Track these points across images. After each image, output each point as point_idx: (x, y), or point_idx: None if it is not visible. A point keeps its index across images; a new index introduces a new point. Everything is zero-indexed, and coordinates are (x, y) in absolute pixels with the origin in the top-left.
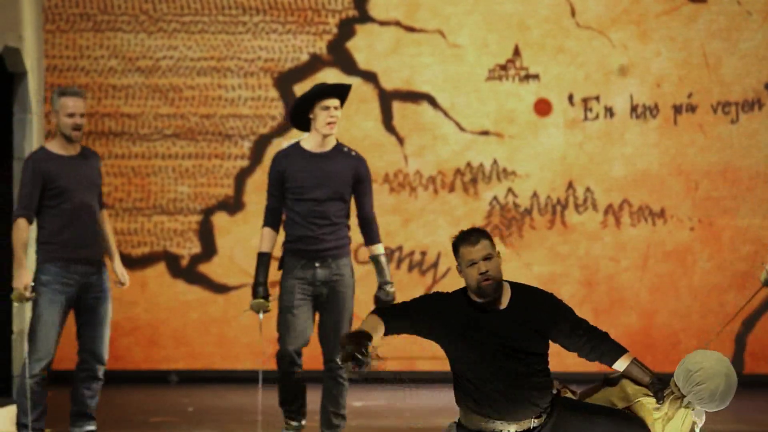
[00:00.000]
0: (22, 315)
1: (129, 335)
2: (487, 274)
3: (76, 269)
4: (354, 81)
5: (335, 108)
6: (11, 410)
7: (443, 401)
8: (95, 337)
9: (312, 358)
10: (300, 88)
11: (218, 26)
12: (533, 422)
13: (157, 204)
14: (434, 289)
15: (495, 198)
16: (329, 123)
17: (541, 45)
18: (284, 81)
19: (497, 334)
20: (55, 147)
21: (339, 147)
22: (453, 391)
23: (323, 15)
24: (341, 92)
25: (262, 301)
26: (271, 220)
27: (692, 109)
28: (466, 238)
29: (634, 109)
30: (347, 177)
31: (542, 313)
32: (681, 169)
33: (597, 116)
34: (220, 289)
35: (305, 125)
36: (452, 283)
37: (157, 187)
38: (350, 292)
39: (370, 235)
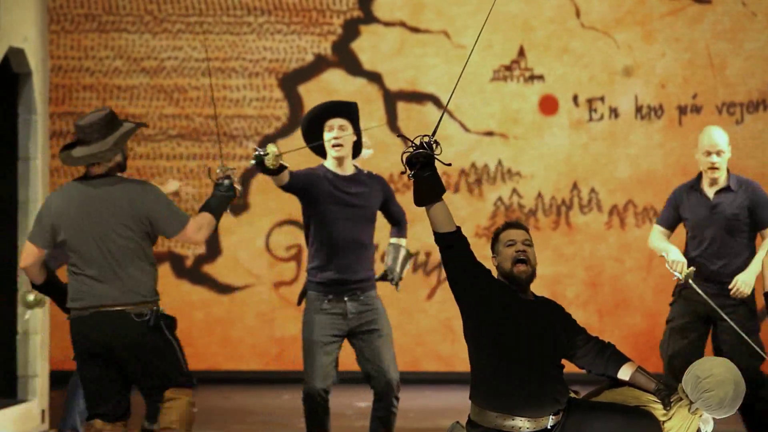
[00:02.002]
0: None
1: None
2: (524, 253)
3: None
4: (359, 82)
5: (340, 128)
6: (15, 410)
7: (447, 402)
8: None
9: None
10: (305, 89)
11: (223, 27)
12: (551, 420)
13: None
14: (439, 290)
15: (499, 199)
16: (334, 144)
17: (545, 46)
18: (289, 82)
19: (533, 321)
20: None
21: (360, 170)
22: (457, 392)
23: (328, 16)
24: (341, 110)
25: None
26: None
27: (697, 109)
28: (509, 225)
29: (638, 109)
30: (377, 199)
31: (563, 317)
32: (686, 169)
33: (602, 117)
34: (225, 289)
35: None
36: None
37: (161, 186)
38: (387, 320)
39: (400, 230)
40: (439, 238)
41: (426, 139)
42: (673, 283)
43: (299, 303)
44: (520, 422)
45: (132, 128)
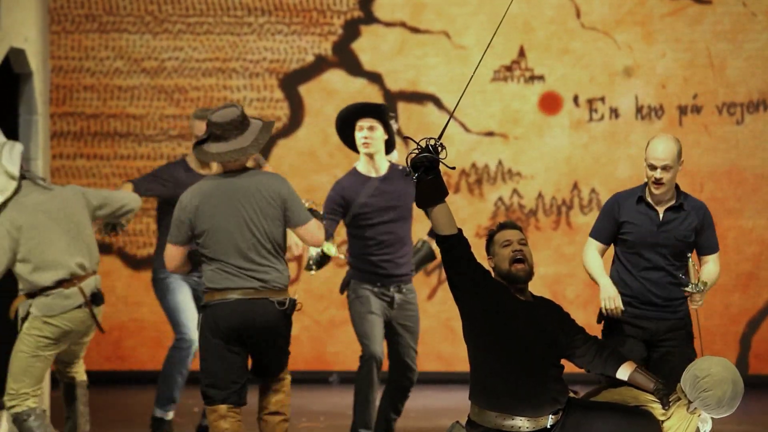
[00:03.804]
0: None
1: (135, 336)
2: (521, 253)
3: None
4: (359, 82)
5: (369, 129)
6: None
7: (448, 402)
8: None
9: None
10: (305, 89)
11: (223, 27)
12: (550, 419)
13: None
14: (439, 291)
15: (500, 199)
16: (363, 143)
17: (546, 46)
18: (289, 82)
19: (532, 321)
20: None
21: (393, 166)
22: (457, 392)
23: (328, 16)
24: (371, 111)
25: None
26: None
27: (697, 110)
28: (503, 225)
29: (639, 110)
30: (412, 195)
31: (561, 317)
32: (686, 169)
33: (602, 117)
34: None
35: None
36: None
37: None
38: (418, 317)
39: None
40: (441, 240)
41: (432, 142)
42: None
43: (342, 292)
44: (520, 422)
45: (267, 124)
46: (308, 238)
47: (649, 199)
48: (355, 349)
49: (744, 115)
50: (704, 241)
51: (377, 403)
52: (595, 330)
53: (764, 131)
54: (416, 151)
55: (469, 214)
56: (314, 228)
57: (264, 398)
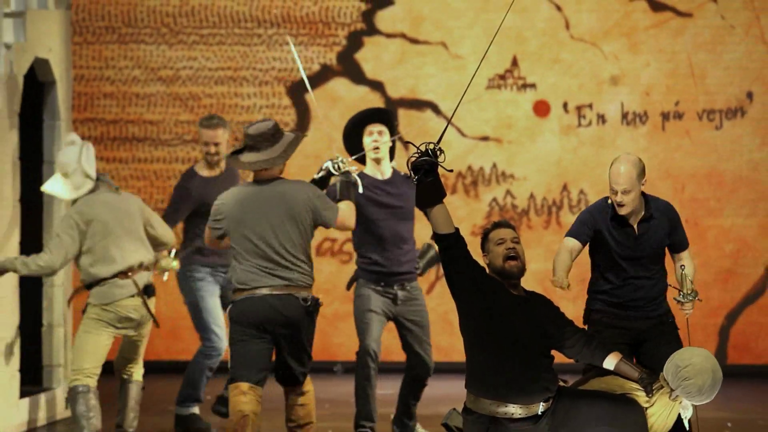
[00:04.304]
0: (51, 309)
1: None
2: (514, 250)
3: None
4: (362, 90)
5: (378, 133)
6: (41, 397)
7: (445, 390)
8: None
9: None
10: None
11: (235, 38)
12: (541, 406)
13: None
14: (437, 286)
15: (494, 199)
16: (374, 147)
17: (537, 56)
18: (296, 90)
19: (525, 315)
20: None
21: (396, 172)
22: (454, 381)
23: (333, 28)
24: (380, 117)
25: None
26: None
27: (679, 116)
28: (498, 224)
29: (624, 116)
30: (414, 198)
31: (552, 311)
32: (669, 172)
33: (590, 123)
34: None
35: (359, 151)
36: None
37: None
38: (426, 311)
39: None
40: (439, 238)
41: (431, 146)
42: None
43: (348, 288)
44: (513, 409)
45: (296, 137)
46: (344, 228)
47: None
48: (354, 342)
49: (723, 121)
50: (676, 240)
51: (376, 394)
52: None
53: (742, 136)
54: (416, 155)
55: (465, 214)
56: (346, 219)
57: (293, 412)
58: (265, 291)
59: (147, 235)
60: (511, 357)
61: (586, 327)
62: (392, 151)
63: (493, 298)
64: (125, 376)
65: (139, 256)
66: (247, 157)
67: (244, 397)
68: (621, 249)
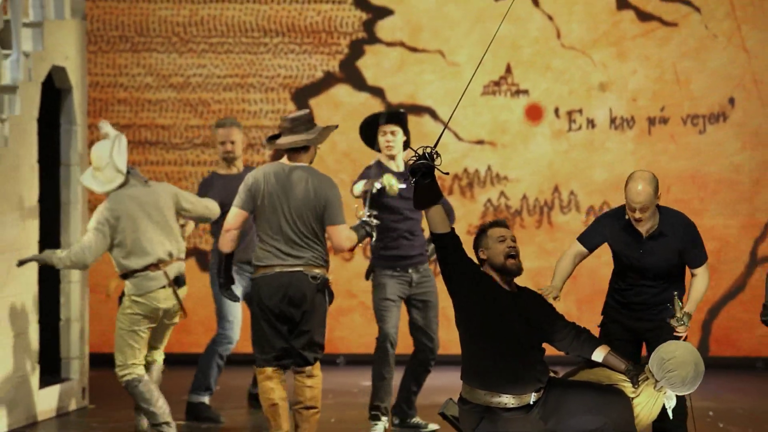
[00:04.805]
0: (68, 305)
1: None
2: (515, 249)
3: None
4: (363, 96)
5: (392, 133)
6: (60, 388)
7: (442, 381)
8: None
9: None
10: (315, 102)
11: (242, 47)
12: (533, 396)
13: None
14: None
15: (489, 200)
16: (387, 146)
17: (530, 63)
18: (301, 95)
19: (518, 310)
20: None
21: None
22: (450, 373)
23: (336, 37)
24: (393, 118)
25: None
26: None
27: (665, 121)
28: (496, 223)
29: (613, 120)
30: None
31: (543, 306)
32: (655, 174)
33: (580, 127)
34: None
35: (373, 143)
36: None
37: (187, 190)
38: (436, 292)
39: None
40: (436, 238)
41: (428, 150)
42: None
43: (367, 278)
44: (506, 399)
45: (329, 126)
46: (334, 239)
47: (633, 225)
48: (360, 333)
49: (706, 126)
50: (689, 258)
51: (393, 379)
52: (574, 318)
53: (724, 140)
54: (414, 158)
55: (461, 214)
56: (342, 232)
57: (300, 393)
58: (278, 269)
59: (188, 215)
60: (504, 350)
61: (603, 317)
62: (405, 145)
63: (487, 293)
64: (149, 360)
65: (169, 247)
66: (285, 139)
67: (270, 382)
68: (627, 259)
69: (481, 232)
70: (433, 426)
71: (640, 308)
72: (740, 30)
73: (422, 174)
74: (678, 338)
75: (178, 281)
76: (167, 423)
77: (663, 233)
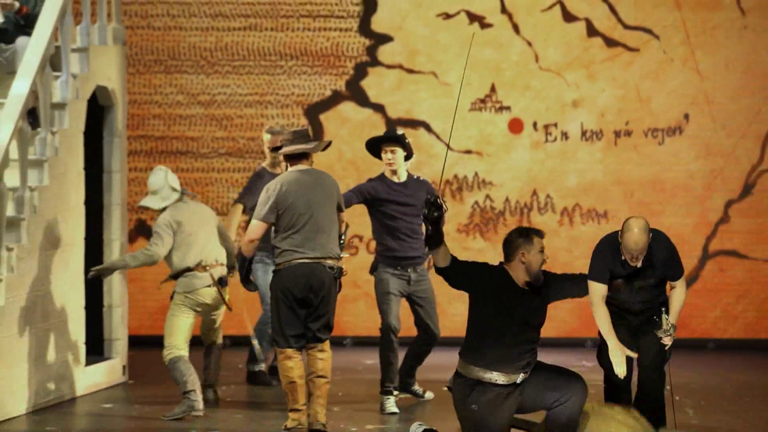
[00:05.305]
0: (110, 293)
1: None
2: (545, 261)
3: None
4: (366, 111)
5: (391, 152)
6: (103, 365)
7: (435, 361)
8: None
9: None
10: (324, 117)
11: (261, 69)
12: (520, 377)
13: (214, 207)
14: (429, 273)
15: (476, 202)
16: (388, 163)
17: (512, 83)
18: (312, 111)
19: (527, 309)
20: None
21: (411, 175)
22: (444, 354)
23: (342, 60)
24: (392, 140)
25: None
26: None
27: (628, 133)
28: (539, 233)
29: (584, 133)
30: (422, 198)
31: (550, 288)
32: (620, 180)
33: (555, 139)
34: None
35: (378, 156)
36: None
37: (214, 194)
38: (432, 289)
39: None
40: (439, 270)
41: (436, 200)
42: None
43: (371, 272)
44: (497, 376)
45: (324, 141)
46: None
47: (625, 258)
48: (364, 319)
49: (664, 138)
50: (671, 274)
51: (398, 362)
52: (550, 308)
53: (680, 151)
54: (425, 211)
55: (451, 214)
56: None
57: (313, 364)
58: (300, 260)
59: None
60: (505, 338)
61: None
62: (408, 157)
63: (499, 289)
64: (209, 343)
65: (215, 253)
66: (286, 148)
67: (289, 362)
68: (616, 276)
69: (527, 236)
70: (429, 395)
71: (626, 309)
72: (694, 55)
73: (430, 223)
74: (664, 348)
75: (221, 282)
76: (194, 390)
77: (651, 260)
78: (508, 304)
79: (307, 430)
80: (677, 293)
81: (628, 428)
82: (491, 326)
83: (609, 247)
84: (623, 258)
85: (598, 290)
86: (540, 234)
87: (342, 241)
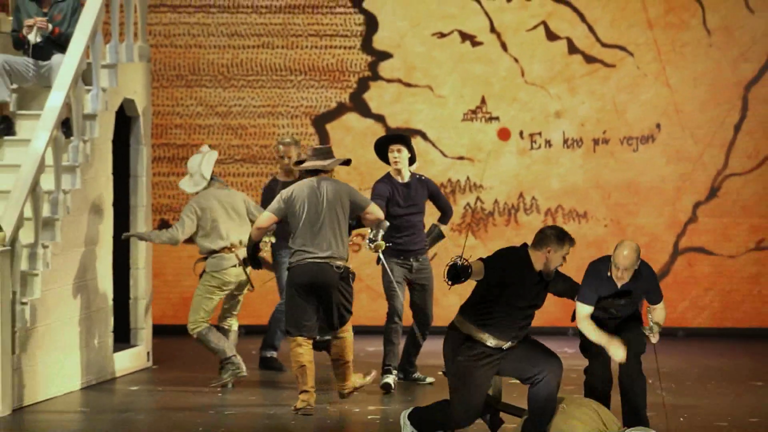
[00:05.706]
0: (136, 286)
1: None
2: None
3: None
4: (368, 121)
5: (398, 151)
6: (130, 352)
7: (430, 348)
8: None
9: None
10: (330, 127)
11: (273, 83)
12: (508, 344)
13: None
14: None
15: (468, 204)
16: (394, 161)
17: (500, 96)
18: (319, 122)
19: (535, 292)
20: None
21: (413, 175)
22: (437, 341)
23: (347, 75)
24: (398, 140)
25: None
26: None
27: (606, 141)
28: (572, 242)
29: (565, 141)
30: (424, 196)
31: (553, 281)
32: (598, 183)
33: (540, 146)
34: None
35: (386, 158)
36: (438, 269)
37: None
38: (432, 277)
39: (442, 217)
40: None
41: (460, 261)
42: None
43: (378, 263)
44: (487, 337)
45: (340, 159)
46: (370, 216)
47: (612, 276)
48: (367, 310)
49: (639, 146)
50: (651, 299)
51: (400, 345)
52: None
53: (653, 157)
54: (450, 269)
55: None
56: (375, 208)
57: (333, 345)
58: (309, 260)
59: (250, 219)
60: (510, 310)
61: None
62: (412, 159)
63: (520, 271)
64: (226, 327)
65: (240, 236)
66: (307, 164)
67: (300, 348)
68: (602, 300)
69: (561, 240)
70: (430, 379)
71: (608, 321)
72: (665, 70)
73: (454, 276)
74: (643, 336)
75: (246, 262)
76: (234, 355)
77: (636, 282)
78: (523, 284)
79: (339, 395)
80: (659, 308)
81: (583, 424)
82: (502, 298)
83: (596, 273)
84: (609, 274)
85: (585, 311)
86: (572, 243)
87: (373, 238)
